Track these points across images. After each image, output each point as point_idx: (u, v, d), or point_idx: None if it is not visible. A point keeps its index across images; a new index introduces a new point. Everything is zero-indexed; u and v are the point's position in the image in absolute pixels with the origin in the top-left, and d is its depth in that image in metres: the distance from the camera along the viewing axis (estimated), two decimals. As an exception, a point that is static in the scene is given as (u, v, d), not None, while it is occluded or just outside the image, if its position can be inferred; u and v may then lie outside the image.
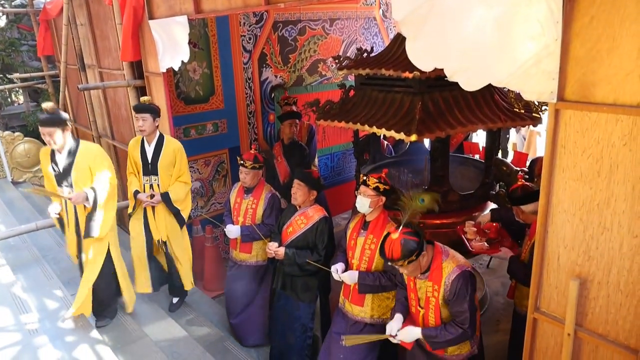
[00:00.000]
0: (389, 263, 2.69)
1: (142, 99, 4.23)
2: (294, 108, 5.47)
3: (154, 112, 4.11)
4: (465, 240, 3.54)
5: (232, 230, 4.08)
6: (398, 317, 2.92)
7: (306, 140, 5.82)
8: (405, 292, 2.98)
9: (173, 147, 4.20)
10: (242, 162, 4.02)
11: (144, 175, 4.23)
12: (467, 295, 2.68)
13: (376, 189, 3.12)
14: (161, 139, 4.20)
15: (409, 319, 2.95)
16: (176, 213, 4.27)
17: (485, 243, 3.41)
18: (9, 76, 8.60)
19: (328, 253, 3.61)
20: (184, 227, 4.42)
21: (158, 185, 4.20)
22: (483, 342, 4.15)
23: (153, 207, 4.23)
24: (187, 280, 4.49)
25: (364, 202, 3.16)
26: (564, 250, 2.06)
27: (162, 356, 3.74)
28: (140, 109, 4.09)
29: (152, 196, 4.16)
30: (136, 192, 4.22)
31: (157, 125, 4.17)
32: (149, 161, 4.18)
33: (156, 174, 4.19)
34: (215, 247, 5.31)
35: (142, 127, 4.07)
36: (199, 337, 4.16)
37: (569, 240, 2.03)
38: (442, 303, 2.75)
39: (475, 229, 3.53)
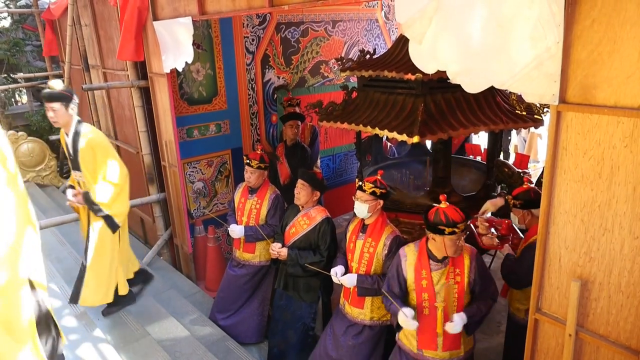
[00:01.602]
0: (449, 228, 2.63)
1: (50, 84, 3.61)
2: (297, 109, 5.49)
3: (65, 98, 3.56)
4: (477, 235, 3.52)
5: (236, 230, 4.10)
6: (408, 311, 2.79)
7: (309, 141, 5.84)
8: (400, 306, 2.84)
9: (89, 139, 3.60)
10: (248, 161, 4.04)
11: (72, 169, 3.75)
12: (490, 274, 2.83)
13: (373, 193, 3.13)
14: (79, 128, 3.64)
15: (418, 333, 2.86)
16: (105, 217, 3.74)
17: (496, 239, 3.38)
18: (13, 76, 8.64)
19: (331, 254, 3.62)
20: (114, 235, 3.89)
21: (84, 182, 3.70)
22: (484, 343, 4.18)
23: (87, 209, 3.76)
24: (93, 295, 3.89)
25: (362, 208, 3.17)
26: (566, 251, 2.07)
27: (165, 355, 3.75)
28: (47, 98, 3.53)
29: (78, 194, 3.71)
30: (70, 187, 3.82)
31: (73, 113, 3.64)
32: (71, 154, 3.67)
33: (79, 169, 3.67)
34: (218, 247, 5.33)
35: (54, 119, 3.56)
36: (201, 337, 4.17)
37: (570, 242, 2.04)
38: (467, 287, 2.78)
39: (487, 224, 3.51)
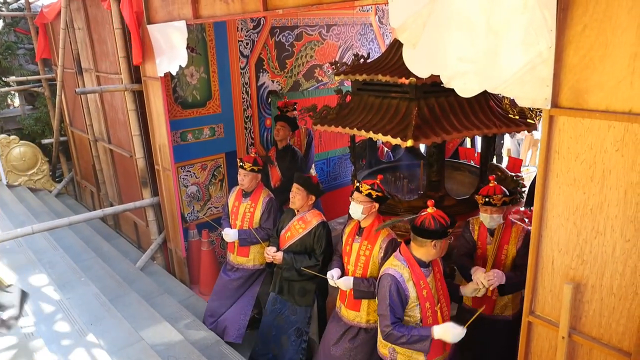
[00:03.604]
0: (439, 233, 2.71)
1: None
2: (296, 114, 5.51)
3: None
4: None
5: (230, 234, 4.10)
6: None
7: (305, 145, 5.84)
8: (408, 326, 2.82)
9: None
10: (241, 164, 4.04)
11: None
12: None
13: (369, 195, 3.14)
14: None
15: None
16: None
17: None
18: (5, 79, 8.60)
19: (326, 258, 3.62)
20: None
21: None
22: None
23: None
24: None
25: (356, 209, 3.18)
26: (558, 254, 2.09)
27: (158, 360, 3.74)
28: None
29: None
30: None
31: None
32: None
33: None
34: (211, 251, 5.31)
35: None
36: (195, 341, 4.15)
37: (563, 245, 2.06)
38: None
39: (518, 216, 3.57)
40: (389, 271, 2.82)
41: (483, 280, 3.05)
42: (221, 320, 4.38)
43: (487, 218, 3.25)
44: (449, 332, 2.70)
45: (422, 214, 2.79)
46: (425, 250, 2.78)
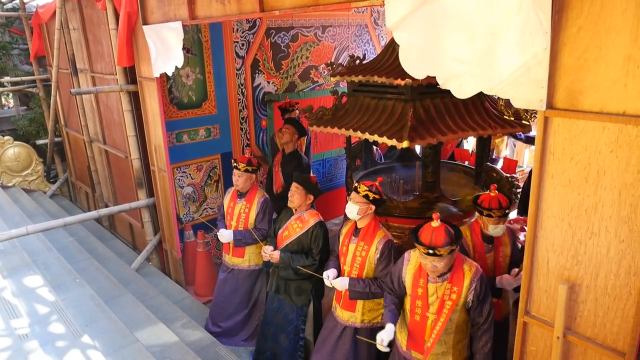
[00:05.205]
0: (430, 251, 2.57)
1: None
2: (297, 112, 5.50)
3: None
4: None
5: (225, 235, 4.09)
6: (390, 328, 2.81)
7: (304, 147, 5.83)
8: (396, 300, 2.92)
9: None
10: (235, 164, 4.04)
11: None
12: (489, 296, 2.76)
13: (366, 196, 3.14)
14: None
15: (408, 333, 2.88)
16: None
17: None
18: (-1, 80, 8.56)
19: (323, 257, 3.63)
20: None
21: None
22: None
23: None
24: None
25: (352, 209, 3.19)
26: (553, 254, 2.10)
27: (154, 361, 3.73)
28: None
29: None
30: None
31: None
32: None
33: None
34: (207, 252, 5.30)
35: None
36: (191, 342, 4.15)
37: (558, 245, 2.07)
38: (460, 307, 2.71)
39: (519, 225, 3.55)
40: (407, 253, 2.91)
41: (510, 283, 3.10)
42: (230, 327, 4.37)
43: (497, 228, 3.23)
44: (387, 335, 2.79)
45: (425, 223, 2.72)
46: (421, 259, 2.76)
